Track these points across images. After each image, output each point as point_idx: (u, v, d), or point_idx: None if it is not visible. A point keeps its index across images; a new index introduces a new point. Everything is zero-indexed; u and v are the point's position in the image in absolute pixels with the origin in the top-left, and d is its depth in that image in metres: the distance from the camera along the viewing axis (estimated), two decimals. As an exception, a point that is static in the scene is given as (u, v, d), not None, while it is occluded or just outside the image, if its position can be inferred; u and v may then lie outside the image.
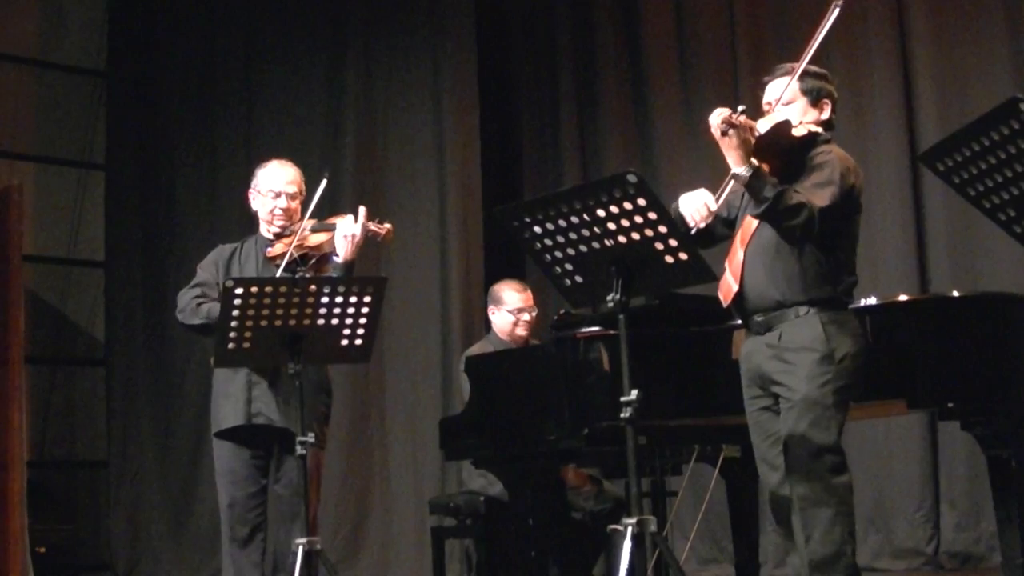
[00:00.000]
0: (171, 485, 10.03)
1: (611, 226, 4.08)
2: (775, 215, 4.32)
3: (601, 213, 4.06)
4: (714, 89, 8.38)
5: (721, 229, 4.73)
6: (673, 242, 4.06)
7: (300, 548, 4.87)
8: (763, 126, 4.39)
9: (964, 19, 7.66)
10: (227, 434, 5.48)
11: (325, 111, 9.77)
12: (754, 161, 4.27)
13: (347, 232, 5.37)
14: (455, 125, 9.20)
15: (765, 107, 4.64)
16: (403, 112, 9.45)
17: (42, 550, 8.83)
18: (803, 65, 4.47)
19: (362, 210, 5.44)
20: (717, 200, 4.46)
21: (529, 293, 6.75)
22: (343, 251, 5.38)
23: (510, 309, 6.70)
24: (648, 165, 8.51)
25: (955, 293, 5.60)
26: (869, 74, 7.88)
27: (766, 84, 4.69)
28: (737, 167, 4.28)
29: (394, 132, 9.48)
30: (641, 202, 3.99)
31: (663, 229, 4.04)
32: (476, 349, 6.74)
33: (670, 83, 8.75)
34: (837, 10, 4.37)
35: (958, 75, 7.61)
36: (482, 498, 6.61)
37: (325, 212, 5.59)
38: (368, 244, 5.54)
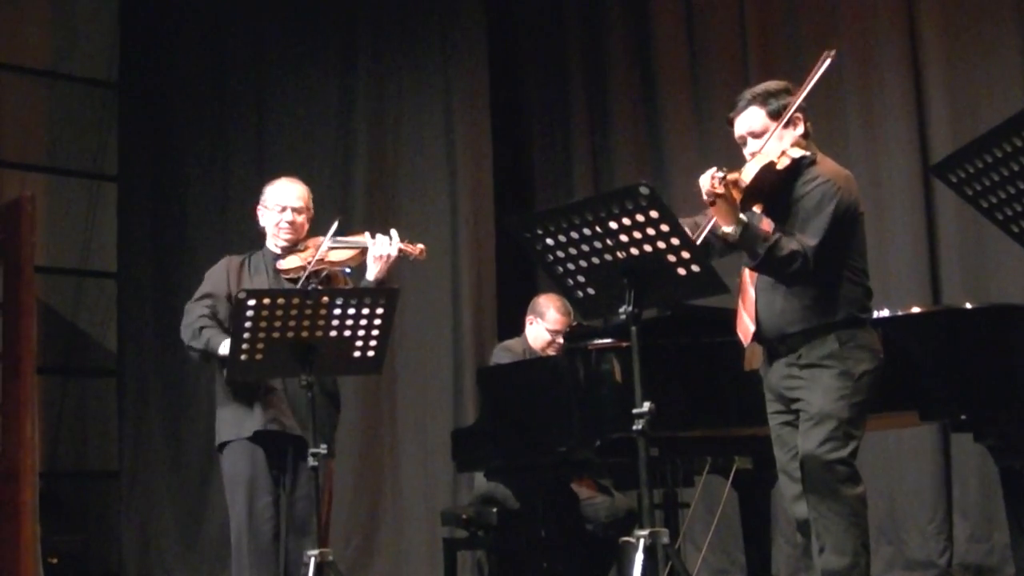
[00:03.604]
0: (182, 495, 10.03)
1: (623, 238, 4.08)
2: (769, 268, 4.36)
3: (613, 225, 4.06)
4: (725, 98, 8.31)
5: (720, 246, 4.71)
6: (685, 254, 4.06)
7: (312, 559, 4.87)
8: (748, 173, 4.38)
9: (976, 30, 7.64)
10: (243, 442, 5.47)
11: (336, 121, 9.78)
12: (743, 217, 4.30)
13: (381, 253, 5.40)
14: (466, 135, 9.20)
15: (739, 142, 4.65)
16: (414, 122, 9.45)
17: (54, 560, 8.84)
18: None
19: (394, 233, 5.46)
20: (696, 238, 4.44)
21: (571, 318, 6.71)
22: (374, 272, 5.40)
23: (549, 328, 6.67)
24: (660, 175, 8.50)
25: (967, 305, 5.59)
26: (881, 86, 7.87)
27: (733, 120, 4.68)
28: (727, 228, 4.31)
29: (405, 142, 9.48)
30: (653, 214, 4.00)
31: (675, 241, 4.04)
32: (514, 344, 6.78)
33: (681, 92, 8.74)
34: (828, 60, 4.41)
35: (970, 86, 7.59)
36: (494, 509, 6.61)
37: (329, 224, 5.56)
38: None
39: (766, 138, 4.53)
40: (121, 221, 10.68)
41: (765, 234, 4.31)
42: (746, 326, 4.59)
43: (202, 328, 5.48)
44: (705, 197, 4.27)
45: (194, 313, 5.54)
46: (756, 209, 4.40)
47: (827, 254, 4.40)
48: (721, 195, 4.24)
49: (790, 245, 4.33)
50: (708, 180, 4.24)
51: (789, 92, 4.61)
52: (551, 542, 5.81)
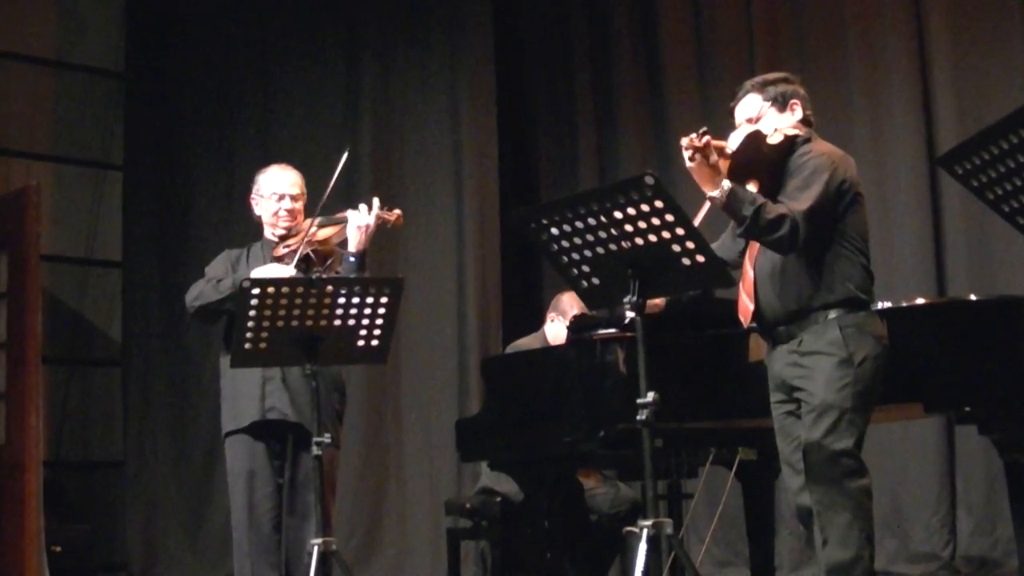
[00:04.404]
0: (187, 485, 10.04)
1: (628, 228, 4.07)
2: (757, 232, 4.36)
3: (618, 215, 4.06)
4: (731, 96, 8.32)
5: (736, 259, 4.74)
6: (690, 244, 4.05)
7: (315, 548, 4.87)
8: (734, 141, 4.42)
9: (982, 24, 7.64)
10: (241, 432, 5.48)
11: (341, 114, 9.78)
12: (726, 183, 4.31)
13: (360, 223, 5.40)
14: (472, 128, 9.20)
15: (739, 127, 4.69)
16: (420, 115, 9.45)
17: (57, 549, 8.84)
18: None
19: (375, 201, 5.46)
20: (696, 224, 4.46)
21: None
22: (355, 242, 5.41)
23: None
24: (665, 167, 8.48)
25: (972, 297, 5.59)
26: (887, 78, 7.86)
27: (733, 109, 4.76)
28: (711, 192, 4.32)
29: (411, 135, 9.48)
30: (658, 204, 3.99)
31: (680, 231, 4.03)
32: (526, 344, 6.78)
33: (687, 90, 8.74)
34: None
35: (976, 79, 7.59)
36: (498, 499, 6.61)
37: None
38: (381, 235, 5.55)
39: (762, 121, 4.59)
40: (126, 211, 10.68)
41: (752, 197, 4.32)
42: (745, 306, 4.61)
43: (219, 280, 5.51)
44: (685, 154, 4.28)
45: (200, 282, 5.58)
46: (752, 187, 4.41)
47: (823, 229, 4.41)
48: (700, 149, 4.25)
49: (778, 209, 4.34)
50: (689, 137, 4.28)
51: (788, 81, 4.71)
52: (555, 533, 5.80)
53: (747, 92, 4.70)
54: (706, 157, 4.28)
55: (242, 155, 10.10)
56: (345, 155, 5.43)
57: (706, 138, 4.28)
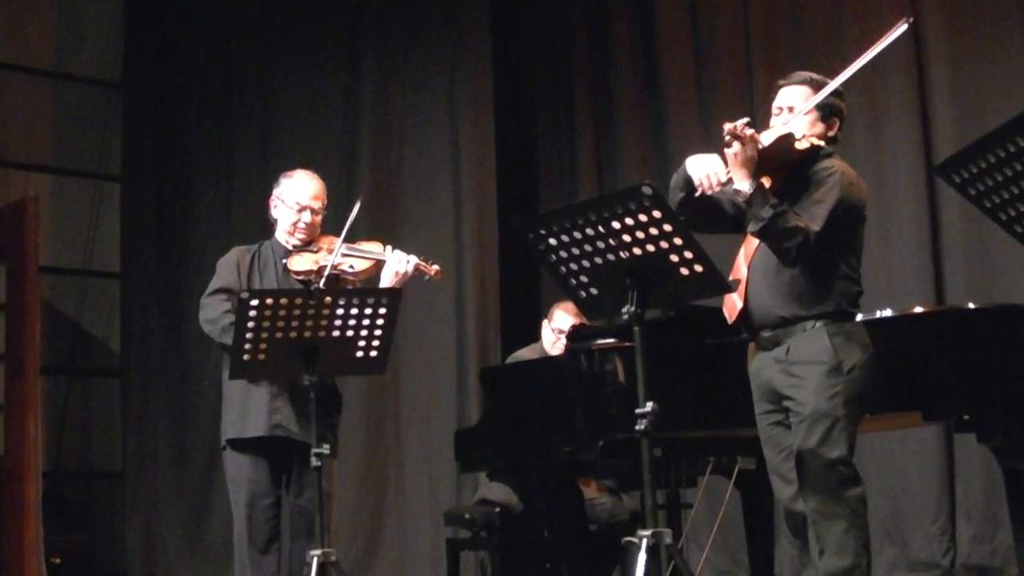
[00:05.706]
0: (186, 495, 10.04)
1: (626, 238, 4.07)
2: (769, 235, 4.37)
3: (616, 225, 4.06)
4: (730, 98, 8.36)
5: (721, 217, 4.71)
6: (688, 254, 4.05)
7: (314, 559, 4.86)
8: (767, 138, 4.43)
9: (981, 31, 7.63)
10: (246, 443, 5.45)
11: (341, 122, 9.79)
12: (755, 182, 4.30)
13: (398, 270, 5.39)
14: (471, 135, 9.20)
15: (775, 111, 4.68)
16: (419, 122, 9.46)
17: (57, 561, 8.85)
18: (835, 84, 4.49)
19: (413, 258, 5.45)
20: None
21: (579, 318, 6.74)
22: (388, 284, 5.38)
23: (555, 328, 6.72)
24: (663, 169, 8.47)
25: (971, 305, 5.58)
26: (885, 85, 7.86)
27: (780, 88, 4.71)
28: (741, 182, 4.34)
29: (410, 142, 9.48)
30: (656, 214, 3.99)
31: (678, 241, 4.03)
32: (526, 355, 6.79)
33: (685, 92, 8.74)
34: (904, 26, 4.36)
35: (975, 86, 7.58)
36: (497, 510, 6.61)
37: (341, 222, 5.51)
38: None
39: (799, 118, 4.56)
40: (125, 221, 10.68)
41: (775, 201, 4.33)
42: (733, 303, 4.61)
43: (231, 324, 5.42)
44: (726, 137, 4.29)
45: (217, 308, 5.43)
46: (765, 182, 4.41)
47: (825, 245, 4.41)
48: (741, 138, 4.27)
49: (796, 220, 4.35)
50: (733, 124, 4.28)
51: (843, 98, 4.68)
52: (554, 543, 5.80)
53: (804, 83, 4.65)
54: (744, 147, 4.28)
55: (241, 163, 10.11)
56: (358, 203, 5.36)
57: (750, 131, 4.29)
